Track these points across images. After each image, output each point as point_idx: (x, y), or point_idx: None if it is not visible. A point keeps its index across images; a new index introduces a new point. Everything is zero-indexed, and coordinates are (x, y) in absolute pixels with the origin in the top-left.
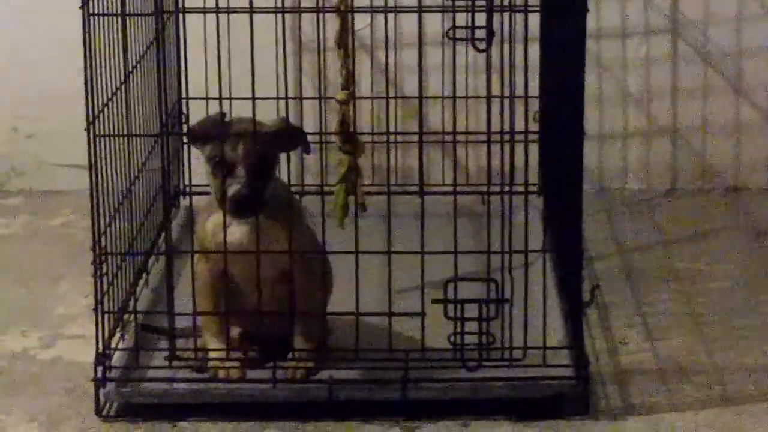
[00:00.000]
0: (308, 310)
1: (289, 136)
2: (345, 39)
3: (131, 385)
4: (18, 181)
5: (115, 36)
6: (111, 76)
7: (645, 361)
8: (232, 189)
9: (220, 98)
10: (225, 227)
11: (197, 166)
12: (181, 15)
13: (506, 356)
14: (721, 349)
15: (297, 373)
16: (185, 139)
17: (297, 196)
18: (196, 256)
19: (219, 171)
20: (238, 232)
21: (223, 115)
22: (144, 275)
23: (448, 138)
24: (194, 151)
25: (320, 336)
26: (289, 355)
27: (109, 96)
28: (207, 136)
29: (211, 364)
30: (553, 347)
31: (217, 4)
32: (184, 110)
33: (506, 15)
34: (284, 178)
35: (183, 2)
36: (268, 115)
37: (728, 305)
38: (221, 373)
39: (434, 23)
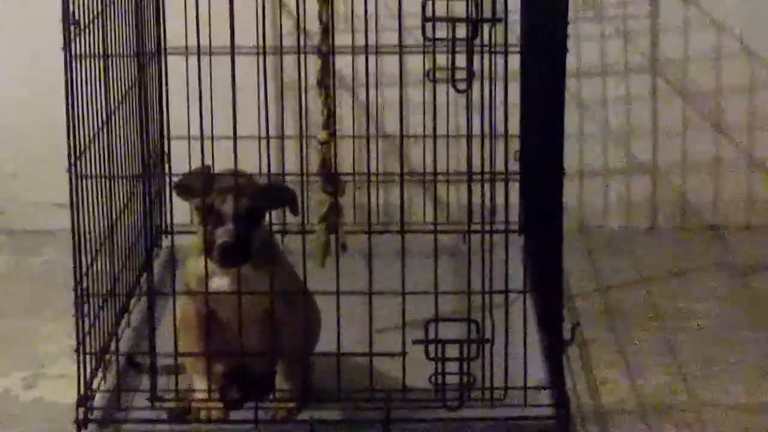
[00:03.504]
0: (292, 352)
1: (278, 194)
2: (326, 79)
3: (113, 427)
4: None
5: (98, 77)
6: (94, 117)
7: (626, 400)
8: (220, 240)
9: (202, 138)
10: (209, 274)
11: (179, 205)
12: (163, 56)
13: (487, 396)
14: (702, 387)
15: (279, 413)
16: (167, 179)
17: (278, 236)
18: (183, 296)
19: (207, 221)
20: (223, 278)
21: (208, 167)
22: (126, 315)
23: (429, 177)
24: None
25: (302, 376)
26: (271, 396)
27: (92, 136)
28: (194, 189)
29: (193, 405)
30: (533, 387)
31: (198, 45)
32: (166, 150)
33: (486, 55)
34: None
35: (165, 43)
36: (250, 155)
37: (708, 343)
38: (203, 414)
39: (415, 62)
